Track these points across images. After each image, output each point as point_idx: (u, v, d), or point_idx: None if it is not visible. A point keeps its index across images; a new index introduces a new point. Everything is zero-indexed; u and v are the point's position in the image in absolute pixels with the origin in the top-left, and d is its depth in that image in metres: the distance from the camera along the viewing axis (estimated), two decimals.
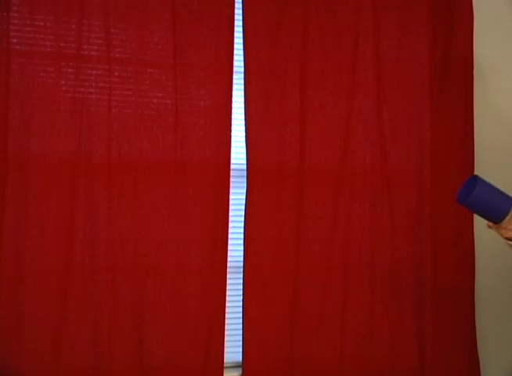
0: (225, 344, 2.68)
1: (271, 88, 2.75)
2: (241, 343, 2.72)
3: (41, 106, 2.49)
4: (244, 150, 2.73)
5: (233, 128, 2.73)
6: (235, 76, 2.74)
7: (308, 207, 2.78)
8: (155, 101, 2.62)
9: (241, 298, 2.71)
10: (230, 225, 2.70)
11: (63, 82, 2.52)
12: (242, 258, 2.72)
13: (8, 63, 2.45)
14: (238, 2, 2.73)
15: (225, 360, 2.69)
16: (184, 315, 2.63)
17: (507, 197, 2.24)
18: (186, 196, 2.64)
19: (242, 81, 2.74)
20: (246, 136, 2.73)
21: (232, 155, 2.71)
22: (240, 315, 2.71)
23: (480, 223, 2.96)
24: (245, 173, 2.73)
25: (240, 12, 2.73)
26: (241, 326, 2.71)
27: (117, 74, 2.58)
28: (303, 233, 2.77)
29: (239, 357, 2.73)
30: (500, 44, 3.10)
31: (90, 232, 2.54)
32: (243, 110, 2.73)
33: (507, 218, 2.23)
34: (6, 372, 2.44)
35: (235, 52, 2.71)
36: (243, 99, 2.73)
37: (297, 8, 2.77)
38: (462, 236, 2.94)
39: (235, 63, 2.72)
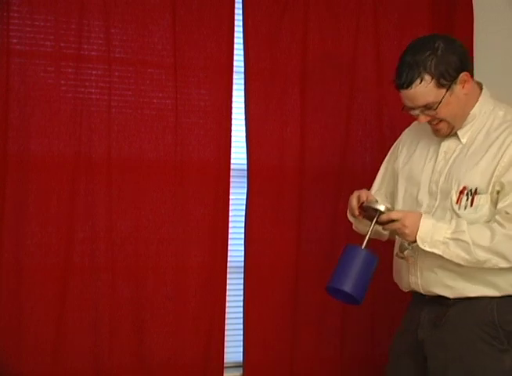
0: (225, 344, 2.68)
1: (271, 88, 2.74)
2: (241, 343, 2.71)
3: (41, 106, 2.49)
4: (244, 150, 2.73)
5: (233, 128, 2.72)
6: (235, 76, 2.73)
7: (308, 207, 2.78)
8: (155, 101, 2.62)
9: (241, 298, 2.71)
10: (230, 225, 2.70)
11: (63, 82, 2.52)
12: (242, 258, 2.72)
13: (8, 63, 2.44)
14: (238, 2, 2.72)
15: (225, 360, 2.69)
16: (184, 315, 2.63)
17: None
18: (186, 196, 2.64)
19: (242, 81, 2.74)
20: (246, 136, 2.73)
21: (232, 155, 2.71)
22: (240, 315, 2.71)
23: None
24: (245, 173, 2.73)
25: (240, 12, 2.73)
26: (241, 326, 2.71)
27: (117, 74, 2.58)
28: (303, 233, 2.77)
29: (239, 357, 2.73)
30: (500, 44, 3.10)
31: (90, 232, 2.54)
32: (243, 110, 2.73)
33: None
34: (6, 372, 2.44)
35: (235, 52, 2.71)
36: (243, 99, 2.73)
37: (297, 8, 2.76)
38: None
39: (235, 63, 2.72)
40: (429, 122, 2.07)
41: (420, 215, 2.01)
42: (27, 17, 2.47)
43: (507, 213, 1.97)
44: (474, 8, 2.98)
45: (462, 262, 1.98)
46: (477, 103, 2.07)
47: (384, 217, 2.01)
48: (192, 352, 2.63)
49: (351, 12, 2.83)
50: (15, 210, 2.46)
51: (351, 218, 2.22)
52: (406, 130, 2.32)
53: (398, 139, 2.33)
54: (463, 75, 2.01)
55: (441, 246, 1.98)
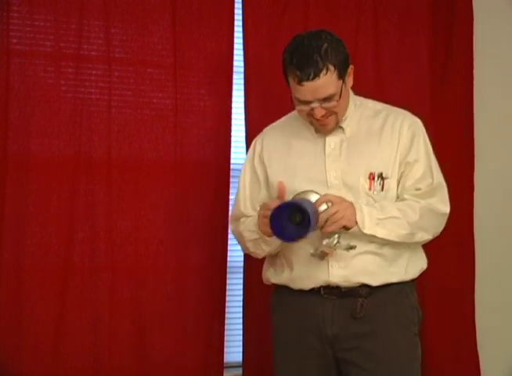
0: (225, 344, 2.68)
1: (271, 88, 2.74)
2: (241, 343, 2.71)
3: (41, 106, 2.49)
4: (244, 150, 2.73)
5: (233, 128, 2.73)
6: (235, 76, 2.74)
7: None
8: (155, 101, 2.62)
9: (241, 298, 2.71)
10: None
11: (63, 82, 2.52)
12: (242, 258, 2.72)
13: (8, 63, 2.44)
14: (238, 2, 2.73)
15: (225, 360, 2.69)
16: (184, 315, 2.63)
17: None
18: (186, 196, 2.64)
19: (242, 81, 2.74)
20: (246, 136, 2.73)
21: (232, 155, 2.71)
22: (240, 315, 2.71)
23: (480, 223, 2.97)
24: None
25: (240, 12, 2.73)
26: (241, 326, 2.71)
27: (117, 74, 2.58)
28: None
29: (238, 357, 2.73)
30: (500, 44, 3.10)
31: (90, 232, 2.54)
32: (243, 110, 2.73)
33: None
34: (6, 372, 2.44)
35: (235, 52, 2.71)
36: (243, 99, 2.73)
37: (297, 8, 2.76)
38: (462, 236, 2.94)
39: (235, 63, 2.72)
40: (317, 119, 2.02)
41: (349, 200, 1.99)
42: (27, 17, 2.47)
43: (418, 189, 2.03)
44: (474, 8, 2.98)
45: (397, 239, 2.00)
46: (350, 96, 2.12)
47: (321, 199, 1.92)
48: (192, 352, 2.63)
49: (351, 12, 2.83)
50: (15, 210, 2.46)
51: (266, 237, 2.04)
52: (260, 139, 2.25)
53: (252, 153, 2.24)
54: (352, 67, 2.06)
55: (376, 227, 1.98)
